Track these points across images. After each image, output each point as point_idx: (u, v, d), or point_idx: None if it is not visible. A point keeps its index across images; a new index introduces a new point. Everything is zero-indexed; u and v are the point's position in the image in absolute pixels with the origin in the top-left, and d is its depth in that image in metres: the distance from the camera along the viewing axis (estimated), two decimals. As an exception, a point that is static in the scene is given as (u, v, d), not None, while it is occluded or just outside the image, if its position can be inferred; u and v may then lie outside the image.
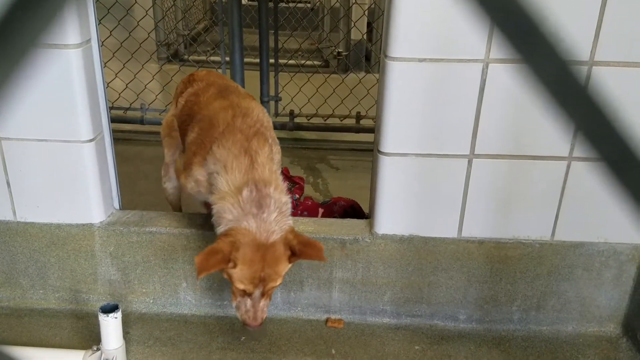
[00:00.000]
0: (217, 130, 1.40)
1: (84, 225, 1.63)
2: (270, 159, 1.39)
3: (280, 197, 1.33)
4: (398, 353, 1.59)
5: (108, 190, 1.67)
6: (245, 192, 1.29)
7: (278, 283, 1.32)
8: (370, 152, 1.72)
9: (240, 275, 1.27)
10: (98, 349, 1.46)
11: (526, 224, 1.58)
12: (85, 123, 1.52)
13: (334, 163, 2.80)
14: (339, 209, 2.12)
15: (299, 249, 1.29)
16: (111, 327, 1.42)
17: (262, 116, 1.49)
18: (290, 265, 1.32)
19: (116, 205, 1.73)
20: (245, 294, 1.31)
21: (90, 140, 1.55)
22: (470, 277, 1.65)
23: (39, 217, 1.62)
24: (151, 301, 1.72)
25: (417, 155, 1.51)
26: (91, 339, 1.56)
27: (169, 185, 1.83)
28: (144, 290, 1.71)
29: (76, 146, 1.54)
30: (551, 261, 1.61)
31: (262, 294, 1.31)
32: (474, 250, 1.61)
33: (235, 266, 1.26)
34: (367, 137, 2.76)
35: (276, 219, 1.30)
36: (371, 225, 1.64)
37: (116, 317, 1.41)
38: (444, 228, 1.60)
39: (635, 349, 1.61)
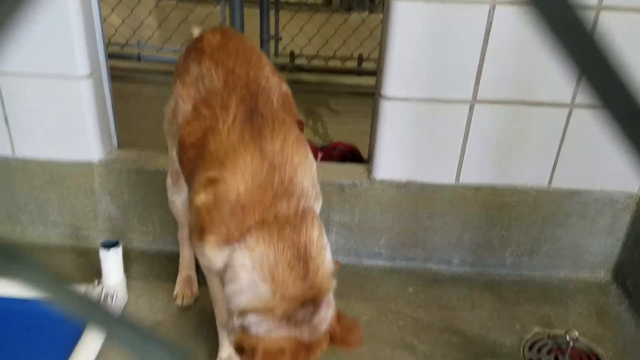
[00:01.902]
0: (251, 214, 1.07)
1: (83, 162, 1.63)
2: (321, 246, 1.12)
3: (331, 296, 1.11)
4: (392, 294, 1.63)
5: (106, 129, 1.67)
6: (300, 313, 1.05)
7: None
8: (371, 97, 1.70)
9: None
10: (99, 284, 1.49)
11: (524, 171, 1.58)
12: (82, 58, 1.50)
13: (334, 107, 2.77)
14: (337, 153, 2.12)
15: (340, 338, 1.11)
16: (112, 262, 1.45)
17: (305, 178, 1.14)
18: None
19: (115, 144, 1.72)
20: None
21: (87, 77, 1.53)
22: (466, 223, 1.67)
23: (38, 154, 1.62)
24: (151, 239, 1.74)
25: (419, 99, 1.49)
26: (92, 274, 1.60)
27: (178, 198, 1.46)
28: (143, 229, 1.73)
29: (73, 82, 1.52)
30: (547, 208, 1.63)
31: None
32: (470, 197, 1.63)
33: None
34: (369, 80, 2.72)
35: (324, 317, 1.08)
36: (369, 170, 1.64)
37: (117, 253, 1.44)
38: (442, 174, 1.60)
39: (624, 295, 1.65)
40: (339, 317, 1.12)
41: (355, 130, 2.42)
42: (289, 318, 1.04)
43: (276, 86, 1.26)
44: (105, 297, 1.45)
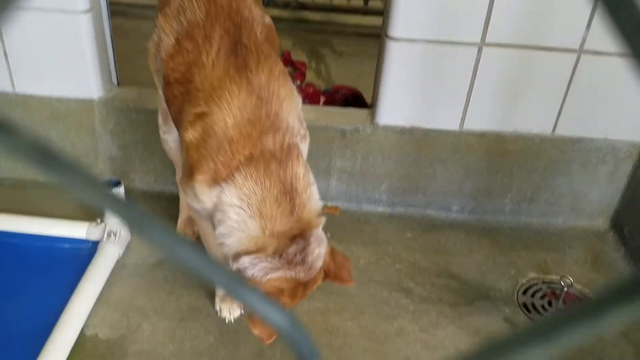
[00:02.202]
0: (239, 150, 1.06)
1: (83, 100, 1.61)
2: (307, 183, 1.11)
3: (320, 229, 1.11)
4: (390, 239, 1.65)
5: (106, 65, 1.64)
6: (292, 248, 1.06)
7: None
8: (376, 38, 1.66)
9: None
10: (102, 222, 1.51)
11: (529, 118, 1.57)
12: (80, -8, 1.45)
13: (338, 48, 2.71)
14: (340, 97, 2.09)
15: (334, 274, 1.13)
16: (114, 202, 1.45)
17: (290, 114, 1.11)
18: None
19: (114, 81, 1.70)
20: None
21: (87, 11, 1.49)
22: (468, 170, 1.67)
23: (39, 90, 1.60)
24: (152, 180, 1.75)
25: (426, 41, 1.46)
26: (94, 213, 1.61)
27: (170, 137, 1.44)
28: (145, 169, 1.74)
29: (73, 17, 1.48)
30: (549, 155, 1.62)
31: None
32: (474, 143, 1.62)
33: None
34: (374, 20, 2.65)
35: (318, 254, 1.09)
36: (373, 115, 1.63)
37: (119, 192, 1.45)
38: (446, 120, 1.59)
39: (621, 242, 1.67)
40: (332, 253, 1.13)
41: (360, 72, 2.37)
42: (281, 256, 1.05)
43: (259, 18, 1.22)
44: (109, 234, 1.47)
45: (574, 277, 1.50)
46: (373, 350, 1.34)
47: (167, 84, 1.19)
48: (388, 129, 1.61)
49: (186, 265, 0.22)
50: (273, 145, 1.07)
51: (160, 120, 1.44)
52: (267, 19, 1.25)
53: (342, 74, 2.46)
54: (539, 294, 1.53)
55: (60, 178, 0.20)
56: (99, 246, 1.48)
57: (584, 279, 1.56)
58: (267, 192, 1.06)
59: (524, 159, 1.63)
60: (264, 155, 1.06)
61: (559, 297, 1.50)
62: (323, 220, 1.12)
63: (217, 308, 1.39)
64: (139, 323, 1.35)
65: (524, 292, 1.53)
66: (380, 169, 1.68)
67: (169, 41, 1.19)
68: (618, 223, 1.71)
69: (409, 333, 1.38)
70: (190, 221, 1.60)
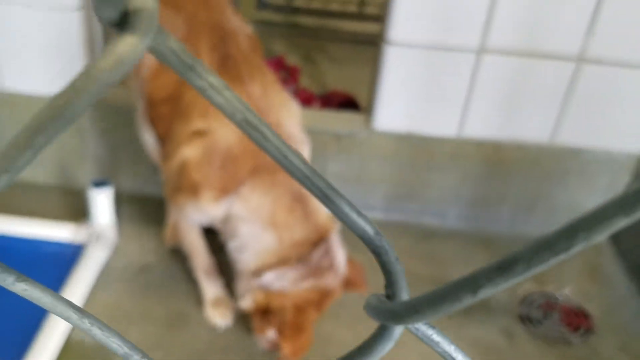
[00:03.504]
0: (242, 165, 1.04)
1: (71, 99, 1.57)
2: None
3: (337, 232, 1.10)
4: (386, 246, 1.62)
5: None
6: (316, 253, 1.04)
7: None
8: (371, 45, 1.64)
9: None
10: (88, 223, 1.46)
11: (527, 127, 1.55)
12: (72, -12, 1.42)
13: (332, 53, 2.69)
14: (335, 102, 2.07)
15: (353, 280, 1.12)
16: (102, 201, 1.41)
17: (290, 121, 1.11)
18: None
19: (105, 81, 1.66)
20: None
21: (78, 9, 1.45)
22: (465, 178, 1.64)
23: (27, 88, 1.56)
24: (142, 182, 1.70)
25: (425, 46, 1.44)
26: (81, 213, 1.56)
27: (149, 136, 1.39)
28: (134, 171, 1.69)
29: (64, 14, 1.44)
30: (547, 165, 1.61)
31: None
32: (471, 151, 1.59)
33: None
34: (369, 27, 2.64)
35: (342, 257, 1.09)
36: (369, 120, 1.60)
37: (107, 192, 1.40)
38: (444, 127, 1.56)
39: (618, 255, 1.66)
40: (350, 263, 1.12)
41: (354, 78, 2.35)
42: (305, 263, 1.03)
43: (241, 29, 1.20)
44: (96, 236, 1.42)
45: (570, 288, 1.48)
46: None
47: (151, 104, 1.16)
48: (384, 134, 1.58)
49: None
50: None
51: (138, 121, 1.41)
52: (248, 29, 1.23)
53: (337, 80, 2.44)
54: (535, 304, 1.50)
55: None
56: (85, 249, 1.43)
57: (581, 291, 1.54)
58: (277, 201, 1.04)
59: (521, 168, 1.61)
60: (269, 166, 1.04)
61: (555, 308, 1.48)
62: (337, 223, 1.10)
63: (209, 314, 1.34)
64: (125, 328, 1.30)
65: (521, 304, 1.50)
66: (375, 175, 1.65)
67: (150, 60, 1.14)
68: (615, 235, 1.69)
69: (406, 343, 1.33)
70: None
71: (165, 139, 1.16)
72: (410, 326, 0.22)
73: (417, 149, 1.60)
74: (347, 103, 2.04)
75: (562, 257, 0.17)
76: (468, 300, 0.19)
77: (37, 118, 0.19)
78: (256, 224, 1.05)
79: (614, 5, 1.37)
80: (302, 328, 1.04)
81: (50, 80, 1.55)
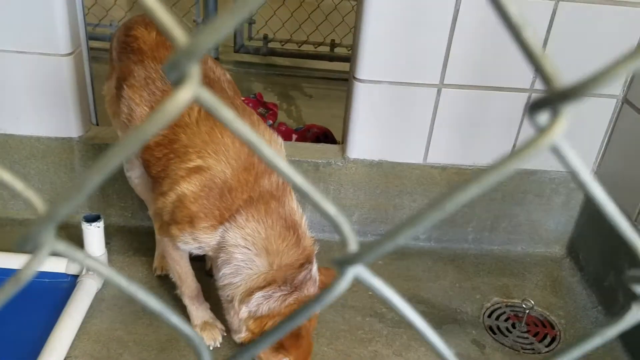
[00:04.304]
0: (238, 195, 1.13)
1: (63, 138, 1.67)
2: (301, 213, 1.21)
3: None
4: (362, 267, 1.72)
5: (86, 105, 1.70)
6: (302, 275, 1.15)
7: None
8: (343, 82, 1.78)
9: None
10: (81, 256, 1.54)
11: (485, 152, 1.69)
12: (64, 36, 1.53)
13: (307, 91, 2.84)
14: (311, 135, 2.19)
15: (323, 286, 1.20)
16: (93, 235, 1.49)
17: (281, 157, 1.30)
18: None
19: (93, 120, 1.76)
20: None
21: (69, 54, 1.56)
22: (432, 201, 1.77)
23: (19, 130, 1.65)
24: (130, 215, 1.79)
25: (390, 82, 1.58)
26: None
27: (133, 174, 1.51)
28: (122, 204, 1.78)
29: (55, 59, 1.55)
30: (506, 187, 1.74)
31: None
32: (436, 176, 1.73)
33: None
34: (341, 66, 2.80)
35: (317, 269, 1.20)
36: (343, 150, 1.73)
37: (98, 227, 1.49)
38: (411, 154, 1.70)
39: (577, 268, 1.79)
40: (321, 269, 1.22)
41: (328, 113, 2.49)
42: (291, 283, 1.13)
43: (222, 76, 1.33)
44: (87, 268, 1.50)
45: (534, 300, 1.59)
46: (348, 373, 1.39)
47: (145, 148, 1.24)
48: (358, 162, 1.71)
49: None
50: (270, 185, 1.16)
51: (125, 161, 1.51)
52: (228, 76, 1.36)
53: (312, 115, 2.58)
54: (503, 317, 1.61)
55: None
56: (78, 280, 1.50)
57: (544, 303, 1.66)
58: (270, 229, 1.14)
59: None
60: (262, 196, 1.15)
61: (522, 319, 1.59)
62: (315, 242, 1.22)
63: None
64: (119, 354, 1.37)
65: (489, 316, 1.61)
66: (351, 200, 1.77)
67: (142, 110, 1.26)
68: (573, 250, 1.83)
69: (384, 356, 1.44)
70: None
71: (158, 179, 1.24)
72: (359, 274, 0.32)
73: (389, 175, 1.73)
74: (323, 136, 2.17)
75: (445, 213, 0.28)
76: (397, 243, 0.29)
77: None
78: (250, 249, 1.13)
79: (558, 42, 1.53)
80: (298, 335, 1.13)
81: (41, 122, 1.64)
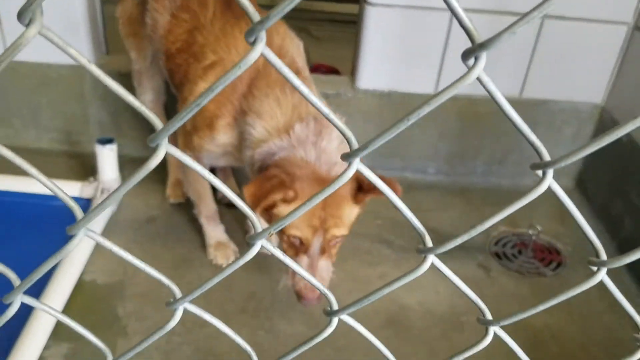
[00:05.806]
0: (243, 81, 1.16)
1: (74, 66, 1.67)
2: (319, 98, 1.06)
3: (342, 125, 1.21)
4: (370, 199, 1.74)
5: (96, 34, 1.69)
6: (298, 127, 1.09)
7: (342, 233, 1.08)
8: (350, 24, 1.75)
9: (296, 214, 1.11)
10: (95, 180, 1.56)
11: (498, 81, 1.67)
12: (73, -42, 1.51)
13: (315, 33, 2.81)
14: (320, 73, 2.18)
15: (368, 183, 0.97)
16: (107, 158, 1.51)
17: (295, 51, 1.23)
18: (358, 209, 1.10)
19: (103, 50, 1.75)
20: (302, 245, 1.07)
21: (79, -21, 1.55)
22: (442, 133, 1.77)
23: (30, 56, 1.64)
24: (141, 146, 1.80)
25: (402, 6, 1.56)
26: (86, 174, 1.65)
27: (147, 97, 1.54)
28: (133, 135, 1.79)
29: (65, -16, 1.54)
30: (517, 118, 1.74)
31: (323, 249, 1.08)
32: (448, 106, 1.72)
33: (295, 197, 1.02)
34: (347, 8, 2.76)
35: (339, 147, 1.08)
36: (353, 81, 1.72)
37: (112, 149, 1.50)
38: (422, 84, 1.69)
39: (585, 200, 1.80)
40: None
41: (336, 55, 2.47)
42: (292, 133, 1.10)
43: (292, 49, 1.32)
44: (102, 191, 1.52)
45: (542, 229, 1.61)
46: (357, 291, 1.42)
47: (169, 57, 1.29)
48: (368, 93, 1.70)
49: None
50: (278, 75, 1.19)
51: (135, 82, 1.55)
52: (300, 49, 1.35)
53: (320, 56, 2.55)
54: (509, 244, 1.63)
55: None
56: (92, 203, 1.53)
57: (551, 232, 1.68)
58: (276, 98, 1.15)
59: (493, 122, 1.75)
60: (263, 74, 1.17)
61: (528, 246, 1.62)
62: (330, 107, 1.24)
63: (211, 257, 1.46)
64: (135, 270, 1.40)
65: (496, 243, 1.63)
66: (360, 133, 1.74)
67: (164, 19, 1.30)
68: (582, 182, 1.84)
69: (391, 277, 1.47)
70: (179, 183, 1.67)
71: (181, 87, 1.27)
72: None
73: (398, 106, 1.72)
74: (332, 73, 2.16)
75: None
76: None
77: None
78: (254, 118, 1.15)
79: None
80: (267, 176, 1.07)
81: (52, 49, 1.63)
